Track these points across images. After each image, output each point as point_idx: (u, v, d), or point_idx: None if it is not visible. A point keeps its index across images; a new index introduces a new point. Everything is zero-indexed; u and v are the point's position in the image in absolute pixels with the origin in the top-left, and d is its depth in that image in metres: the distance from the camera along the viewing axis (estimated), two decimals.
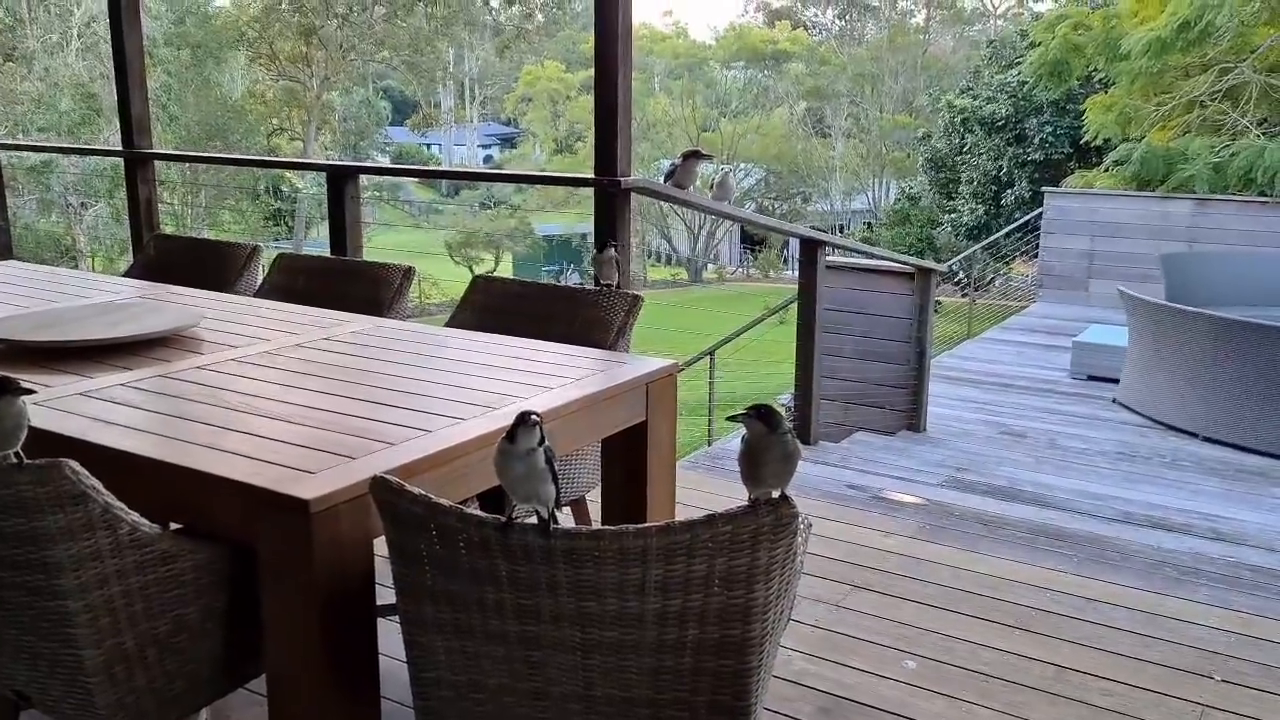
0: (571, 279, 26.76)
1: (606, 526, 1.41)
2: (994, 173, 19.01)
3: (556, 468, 1.49)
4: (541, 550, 1.42)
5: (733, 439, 7.17)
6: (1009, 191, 18.67)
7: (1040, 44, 12.29)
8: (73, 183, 21.31)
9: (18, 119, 22.47)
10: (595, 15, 3.64)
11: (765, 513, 1.43)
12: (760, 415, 1.46)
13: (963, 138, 19.90)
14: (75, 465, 1.51)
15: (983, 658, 2.77)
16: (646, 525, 1.40)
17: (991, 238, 13.20)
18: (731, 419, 1.51)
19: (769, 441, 1.45)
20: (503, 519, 1.43)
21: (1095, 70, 12.16)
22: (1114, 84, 11.99)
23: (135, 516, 1.60)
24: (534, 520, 1.45)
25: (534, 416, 1.48)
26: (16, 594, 1.57)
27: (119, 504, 1.57)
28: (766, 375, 13.87)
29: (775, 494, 1.46)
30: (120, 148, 5.15)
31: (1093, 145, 12.84)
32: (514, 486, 1.52)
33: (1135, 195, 10.52)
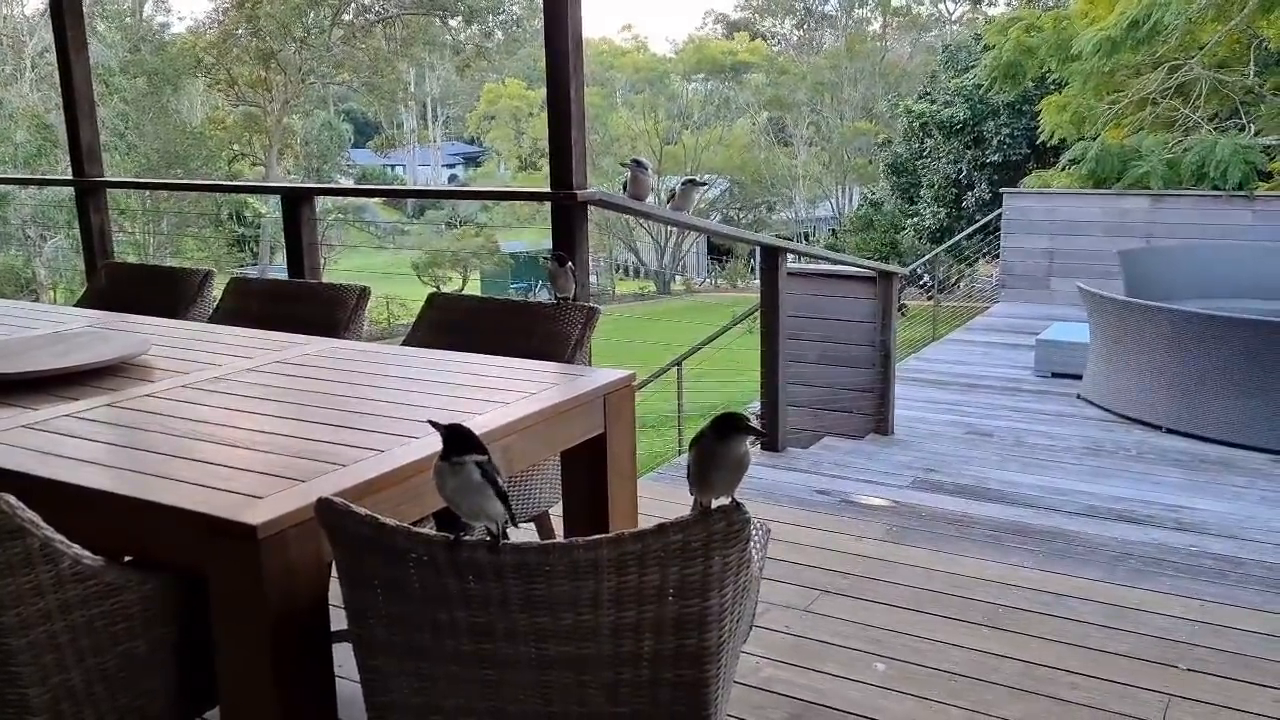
0: (540, 295, 26.71)
1: (557, 540, 1.40)
2: (954, 176, 19.20)
3: (501, 482, 1.47)
4: (491, 566, 1.40)
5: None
6: (969, 194, 18.86)
7: (994, 47, 12.45)
8: (31, 215, 21.07)
9: None
10: (545, 29, 3.64)
11: (716, 520, 1.42)
12: (715, 423, 1.45)
13: (922, 142, 20.09)
14: (11, 499, 1.48)
15: (952, 657, 2.76)
16: (596, 537, 1.38)
17: (953, 240, 13.31)
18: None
19: (721, 449, 1.44)
20: (451, 537, 1.41)
21: (1048, 71, 12.32)
22: (1067, 84, 12.15)
23: (77, 549, 1.57)
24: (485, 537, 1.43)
25: (460, 429, 1.47)
26: None
27: (59, 537, 1.54)
28: (736, 384, 13.88)
29: (725, 500, 1.45)
30: (71, 177, 5.09)
31: (1049, 145, 13.00)
32: (455, 503, 1.50)
33: (1092, 193, 10.66)
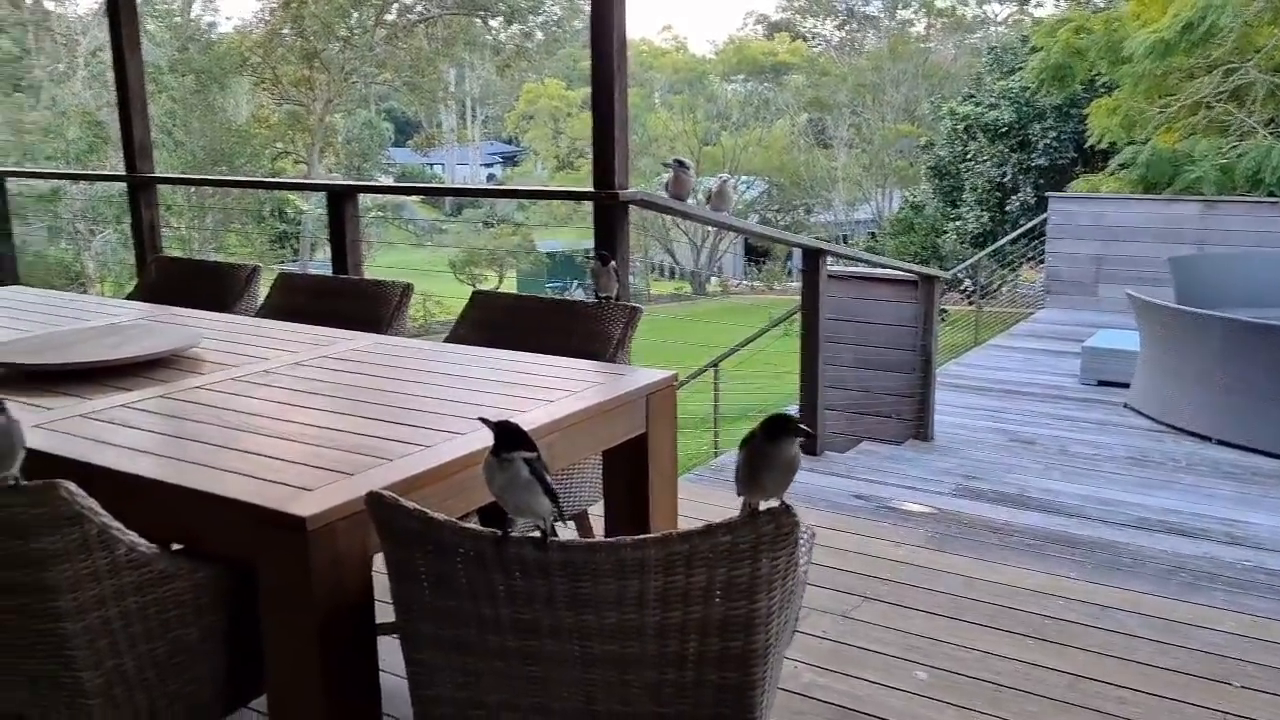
0: (575, 294, 26.79)
1: (603, 539, 1.40)
2: (998, 179, 19.00)
3: (549, 480, 1.47)
4: (538, 563, 1.40)
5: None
6: (1014, 198, 18.66)
7: (1042, 49, 12.31)
8: (81, 210, 21.44)
9: (26, 148, 22.63)
10: (591, 30, 3.64)
11: (765, 522, 1.41)
12: (765, 424, 1.44)
13: (966, 145, 19.91)
14: (71, 486, 1.50)
15: (994, 667, 2.74)
16: (644, 537, 1.38)
17: (996, 244, 13.16)
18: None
19: (773, 451, 1.43)
20: (499, 533, 1.42)
21: (1098, 74, 12.16)
22: (1117, 87, 11.98)
23: (133, 537, 1.59)
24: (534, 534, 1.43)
25: (509, 425, 1.47)
26: (14, 617, 1.56)
27: (116, 524, 1.56)
28: (772, 387, 13.83)
29: (774, 503, 1.45)
30: (124, 173, 5.17)
31: (1097, 149, 12.83)
32: (503, 499, 1.50)
33: (1142, 198, 10.50)
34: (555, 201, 27.20)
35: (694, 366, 8.37)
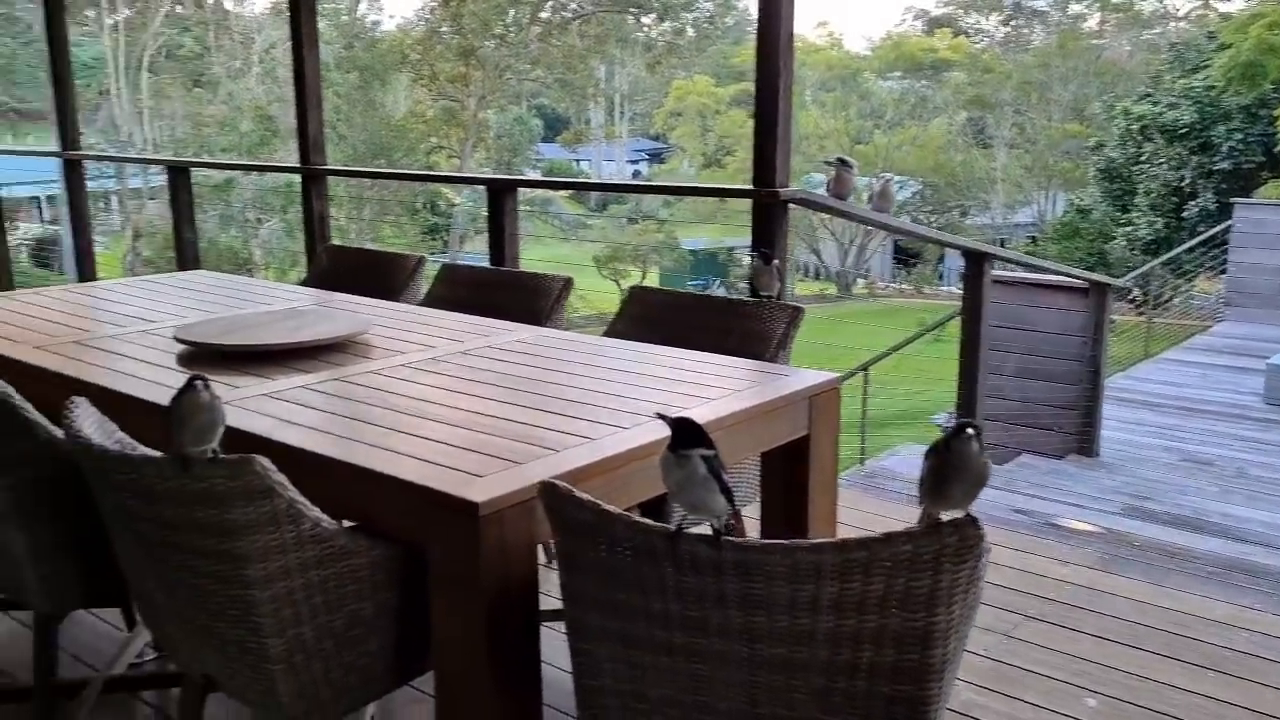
0: (716, 293, 26.71)
1: (778, 540, 1.37)
2: (1175, 183, 17.98)
3: (725, 478, 1.45)
4: (711, 562, 1.39)
5: (887, 458, 6.97)
6: (1192, 203, 17.63)
7: (1231, 45, 11.58)
8: (250, 200, 22.62)
9: (203, 140, 24.03)
10: (758, 25, 3.60)
11: (949, 533, 1.36)
12: (958, 433, 1.39)
13: (1140, 146, 18.91)
14: (265, 461, 1.57)
15: (1171, 699, 2.58)
16: (821, 541, 1.35)
17: (1172, 252, 12.47)
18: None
19: (963, 462, 1.38)
20: (672, 528, 1.41)
21: None
22: None
23: (317, 512, 1.65)
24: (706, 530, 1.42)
25: (688, 422, 1.46)
26: (209, 582, 1.65)
27: (302, 499, 1.63)
28: (919, 393, 13.49)
29: (958, 514, 1.39)
30: (298, 165, 5.40)
31: None
32: (677, 495, 1.50)
33: None
34: (699, 199, 27.18)
35: (838, 369, 8.22)
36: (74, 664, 2.66)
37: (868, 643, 1.40)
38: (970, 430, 1.36)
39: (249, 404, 2.16)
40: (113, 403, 2.13)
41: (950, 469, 1.37)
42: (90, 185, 7.34)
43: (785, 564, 1.36)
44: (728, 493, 1.44)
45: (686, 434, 1.45)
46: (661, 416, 1.52)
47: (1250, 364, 8.12)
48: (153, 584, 1.77)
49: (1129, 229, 18.91)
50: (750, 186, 3.69)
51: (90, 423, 1.80)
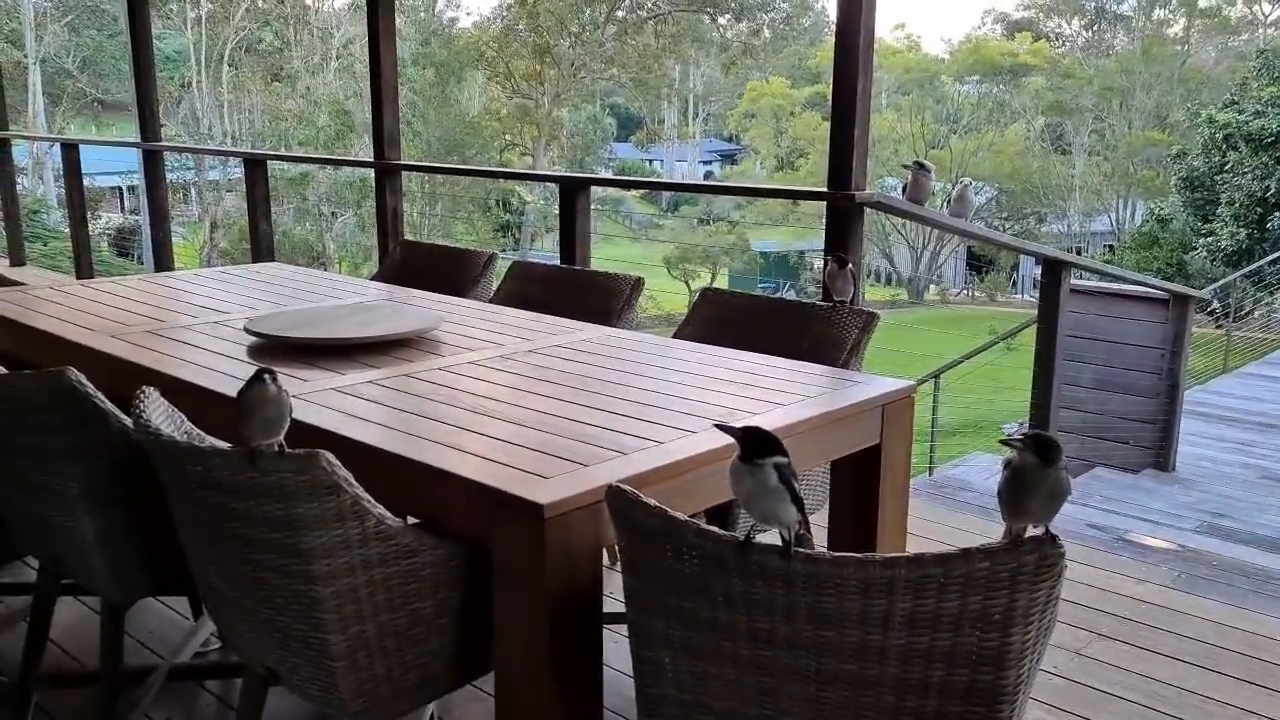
0: (786, 295, 26.54)
1: (851, 554, 1.33)
2: (1260, 194, 17.44)
3: (797, 487, 1.42)
4: (781, 573, 1.35)
5: (955, 467, 6.84)
6: (1276, 214, 17.08)
7: None
8: (325, 193, 23.01)
9: (281, 134, 24.52)
10: (837, 27, 3.55)
11: (1027, 551, 1.31)
12: (1035, 445, 1.33)
13: (1224, 155, 18.38)
14: (330, 457, 1.57)
15: None
16: (895, 555, 1.31)
17: (1255, 264, 12.08)
18: (1004, 443, 1.39)
19: (1039, 475, 1.32)
20: (740, 537, 1.38)
21: None
22: None
23: (381, 510, 1.65)
24: (776, 541, 1.38)
25: (758, 430, 1.43)
26: (274, 576, 1.65)
27: (367, 496, 1.62)
28: (990, 403, 13.24)
29: (1038, 530, 1.34)
30: (372, 159, 5.47)
31: None
32: (747, 504, 1.46)
33: None
34: (771, 201, 27.03)
35: (909, 376, 8.10)
36: (140, 650, 2.71)
37: (940, 661, 1.36)
38: (1046, 445, 1.31)
39: (317, 398, 2.17)
40: (182, 393, 2.16)
41: (1024, 484, 1.32)
42: (170, 177, 7.53)
43: (858, 578, 1.32)
44: (799, 502, 1.40)
45: (758, 443, 1.42)
46: (721, 427, 1.49)
47: None
48: (217, 575, 1.79)
49: (1210, 239, 18.39)
50: (825, 189, 3.64)
51: (159, 413, 1.82)
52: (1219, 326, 11.58)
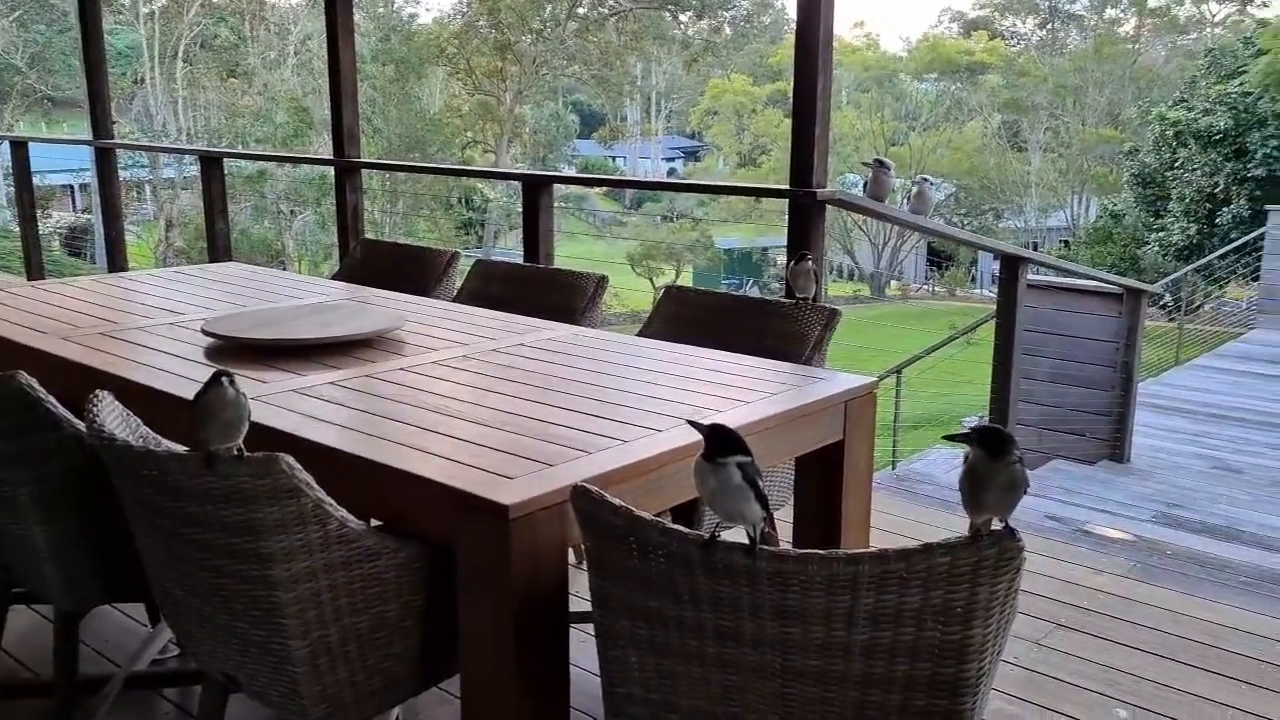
0: (750, 292, 26.63)
1: (814, 550, 1.34)
2: (1209, 189, 17.77)
3: (761, 485, 1.42)
4: (746, 571, 1.36)
5: (917, 461, 6.90)
6: (1225, 210, 17.42)
7: (1269, 52, 11.41)
8: (284, 191, 22.75)
9: (238, 131, 24.20)
10: (797, 25, 3.56)
11: (987, 545, 1.32)
12: (983, 439, 1.35)
13: (1174, 152, 18.70)
14: (290, 460, 1.55)
15: (1207, 713, 2.53)
16: (858, 551, 1.32)
17: (1205, 259, 12.31)
18: (950, 439, 1.41)
19: (991, 469, 1.34)
20: (705, 536, 1.38)
21: None
22: None
23: (343, 513, 1.63)
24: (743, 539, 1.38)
25: (722, 429, 1.43)
26: (232, 582, 1.63)
27: (329, 499, 1.61)
28: (949, 396, 13.38)
29: (997, 524, 1.35)
30: (331, 157, 5.41)
31: None
32: (712, 503, 1.47)
33: None
34: (735, 198, 27.09)
35: (872, 371, 8.16)
36: (96, 659, 2.67)
37: (903, 656, 1.37)
38: (994, 437, 1.32)
39: (276, 400, 2.15)
40: (137, 396, 2.13)
41: (975, 477, 1.34)
42: (123, 174, 7.41)
43: (822, 574, 1.33)
44: (763, 500, 1.41)
45: (721, 441, 1.42)
46: (692, 424, 1.49)
47: None
48: (175, 582, 1.76)
49: (1162, 234, 18.71)
50: (787, 186, 3.65)
51: (113, 417, 1.79)
52: (1171, 320, 11.78)
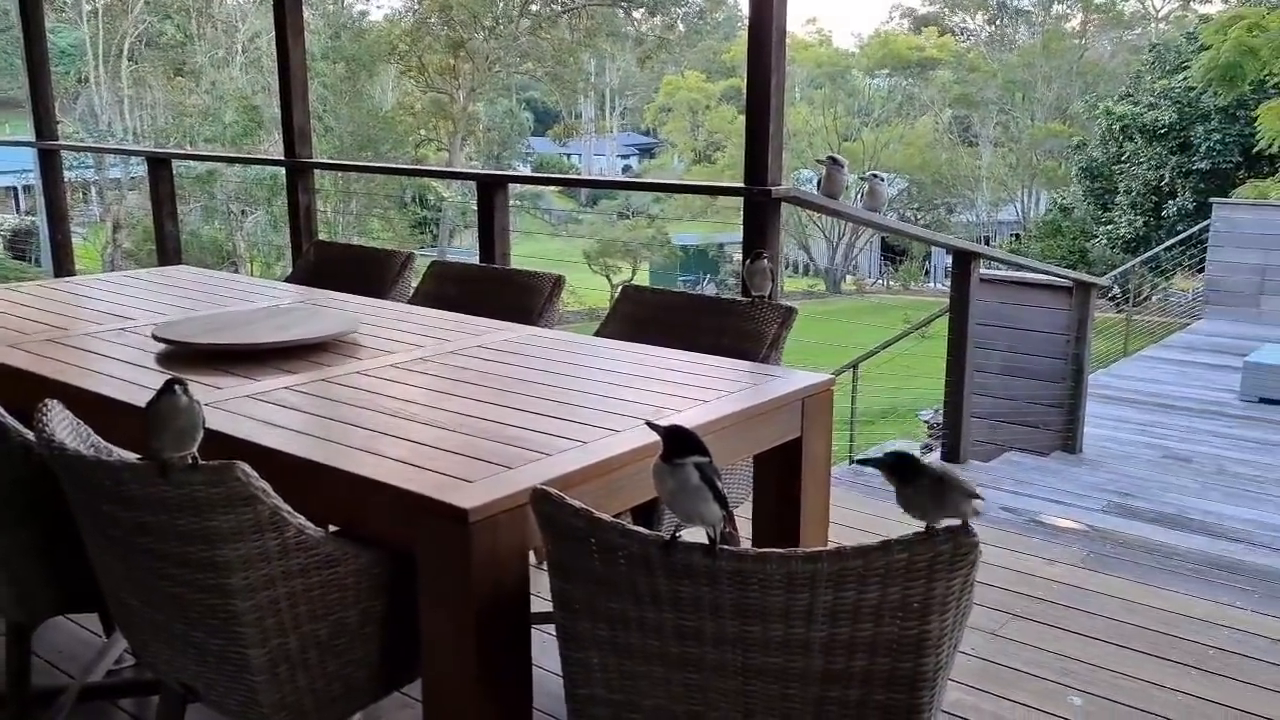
0: (707, 289, 26.71)
1: (773, 549, 1.35)
2: (1155, 183, 18.12)
3: (720, 486, 1.43)
4: (706, 571, 1.37)
5: (875, 452, 6.98)
6: (1171, 202, 17.77)
7: (1211, 47, 11.64)
8: (234, 191, 22.42)
9: (186, 130, 23.81)
10: (749, 22, 3.58)
11: (942, 540, 1.34)
12: (890, 470, 1.38)
13: (1121, 146, 19.04)
14: (246, 468, 1.54)
15: (1157, 698, 2.58)
16: (816, 549, 1.33)
17: (1152, 251, 12.54)
18: (863, 463, 1.45)
19: (905, 494, 1.38)
20: (665, 536, 1.39)
21: (1271, 74, 11.42)
22: None
23: (301, 520, 1.62)
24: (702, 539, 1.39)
25: (680, 430, 1.44)
26: (189, 591, 1.61)
27: (286, 507, 1.59)
28: (905, 389, 13.52)
29: (954, 520, 1.38)
30: (282, 157, 5.35)
31: (1266, 154, 12.08)
32: (671, 504, 1.48)
33: None
34: (690, 195, 27.15)
35: (828, 366, 8.22)
36: (49, 670, 2.62)
37: (862, 651, 1.39)
38: (891, 467, 1.37)
39: (231, 406, 2.12)
40: (88, 404, 2.09)
41: (902, 499, 1.38)
42: (68, 175, 7.28)
43: (781, 573, 1.34)
44: (722, 500, 1.42)
45: (679, 442, 1.43)
46: (651, 425, 1.50)
47: (1228, 361, 8.17)
48: (129, 592, 1.74)
49: (1109, 227, 19.03)
50: (742, 184, 3.67)
51: (64, 426, 1.76)
52: (1119, 311, 11.98)
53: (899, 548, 1.34)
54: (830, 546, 1.34)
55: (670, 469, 1.42)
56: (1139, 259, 12.52)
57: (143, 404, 1.63)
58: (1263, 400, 7.24)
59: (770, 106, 3.57)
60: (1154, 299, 13.55)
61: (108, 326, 2.87)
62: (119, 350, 2.60)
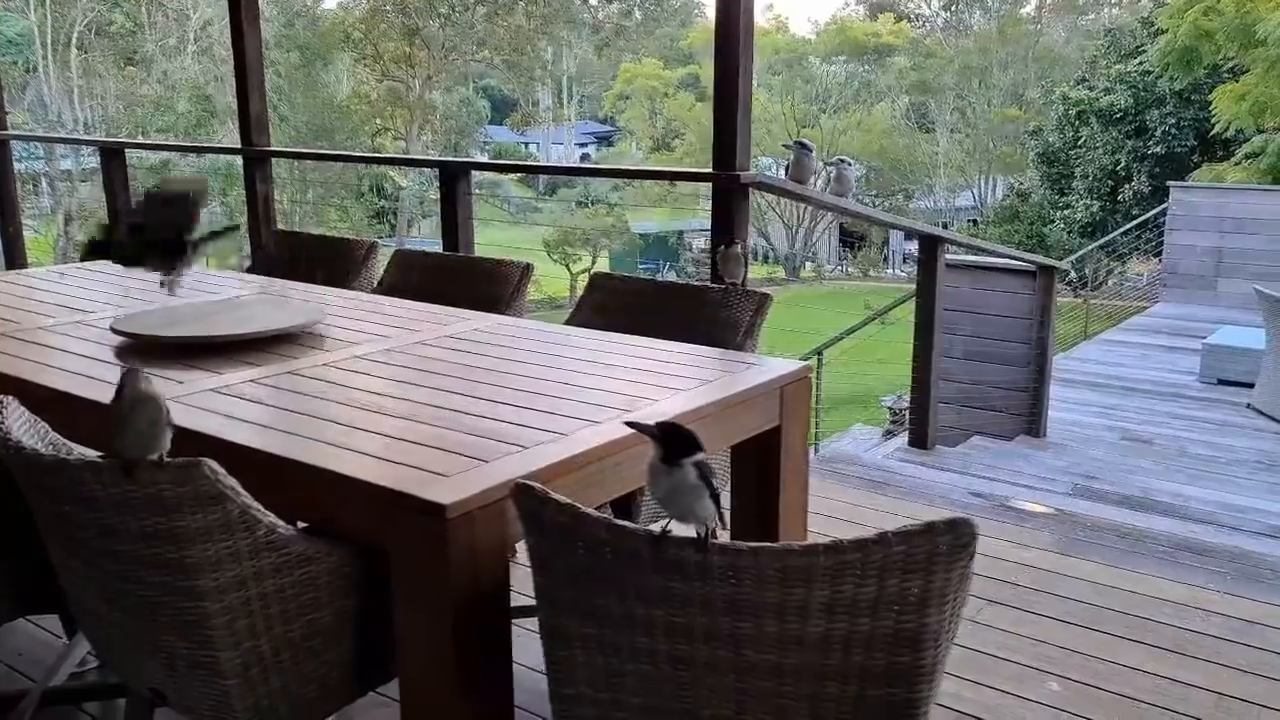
0: (667, 276, 26.69)
1: (767, 544, 1.31)
2: (1111, 167, 18.33)
3: (715, 482, 1.39)
4: (697, 566, 1.33)
5: (842, 439, 6.99)
6: (1127, 186, 17.99)
7: (1167, 31, 11.77)
8: None
9: (138, 121, 23.36)
10: (717, 8, 3.54)
11: (941, 532, 1.31)
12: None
13: (1077, 131, 19.24)
14: (214, 465, 1.48)
15: (1134, 682, 2.59)
16: (812, 544, 1.30)
17: (1109, 235, 12.69)
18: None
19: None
20: (656, 531, 1.35)
21: (1226, 58, 11.58)
22: (1247, 72, 11.40)
23: (272, 518, 1.56)
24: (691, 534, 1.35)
25: (677, 428, 1.41)
26: (155, 593, 1.55)
27: (257, 505, 1.53)
28: (867, 375, 13.60)
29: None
30: (239, 146, 5.23)
31: (1221, 138, 12.26)
32: (664, 502, 1.44)
33: (1271, 189, 10.00)
34: (649, 183, 27.11)
35: (790, 352, 8.23)
36: (10, 674, 2.54)
37: (859, 647, 1.36)
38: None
39: (195, 400, 2.05)
40: (45, 400, 2.01)
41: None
42: (18, 167, 7.08)
43: (775, 567, 1.31)
44: (715, 497, 1.38)
45: (678, 442, 1.39)
46: (637, 426, 1.45)
47: (1186, 344, 8.28)
48: (94, 595, 1.67)
49: (1066, 212, 19.25)
50: (710, 170, 3.64)
51: (20, 424, 1.69)
52: (1078, 295, 12.12)
53: (897, 540, 1.31)
54: (826, 540, 1.30)
55: (668, 469, 1.38)
56: (1097, 244, 12.66)
57: (102, 399, 1.57)
58: (1221, 382, 7.34)
59: (739, 92, 3.54)
60: (1111, 283, 13.73)
61: (63, 320, 2.78)
62: (76, 344, 2.51)
